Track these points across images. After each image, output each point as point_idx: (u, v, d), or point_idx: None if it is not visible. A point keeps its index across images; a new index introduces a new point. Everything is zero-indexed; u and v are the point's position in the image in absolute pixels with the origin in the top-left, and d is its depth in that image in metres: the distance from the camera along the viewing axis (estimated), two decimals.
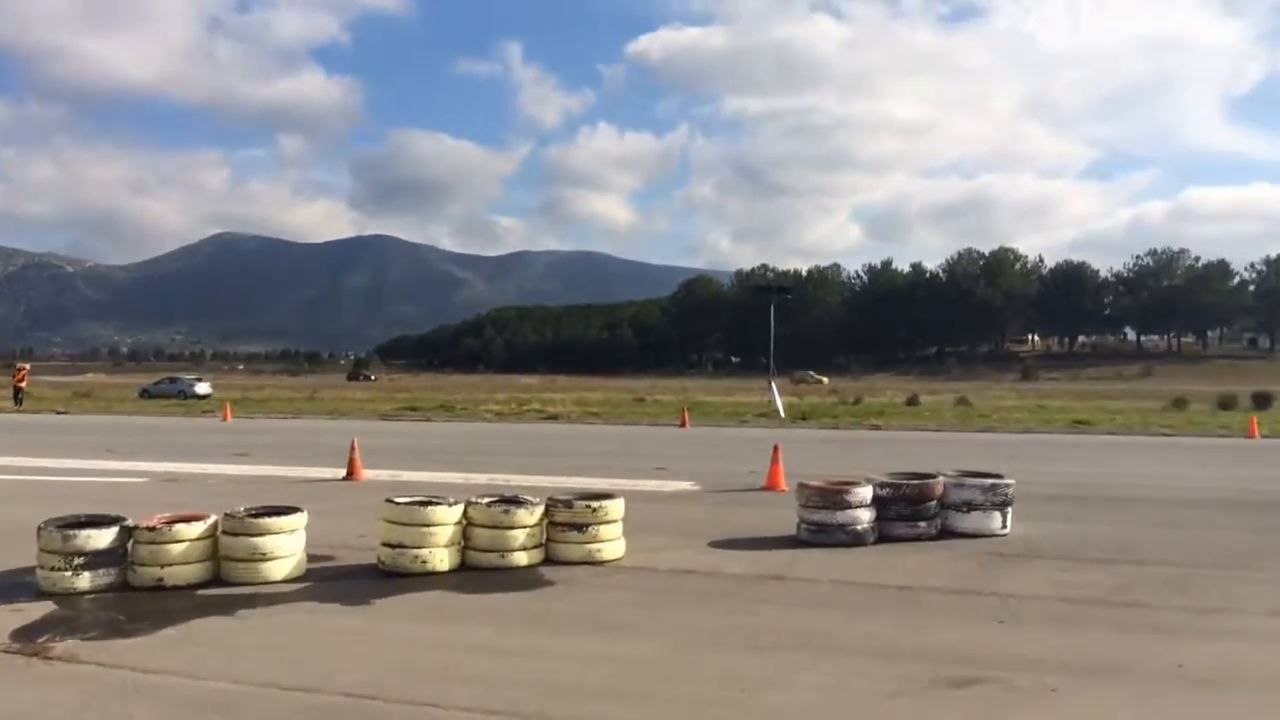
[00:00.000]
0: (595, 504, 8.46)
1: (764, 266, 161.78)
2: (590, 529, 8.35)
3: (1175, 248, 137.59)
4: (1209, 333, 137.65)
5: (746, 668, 5.66)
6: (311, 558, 8.08)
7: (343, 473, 14.90)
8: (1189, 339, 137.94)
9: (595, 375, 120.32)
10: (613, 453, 20.60)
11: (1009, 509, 9.71)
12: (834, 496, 9.20)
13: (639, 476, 14.97)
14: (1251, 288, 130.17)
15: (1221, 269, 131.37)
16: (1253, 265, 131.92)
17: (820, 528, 9.20)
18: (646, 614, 6.90)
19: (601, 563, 8.32)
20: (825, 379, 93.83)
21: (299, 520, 7.83)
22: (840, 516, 9.12)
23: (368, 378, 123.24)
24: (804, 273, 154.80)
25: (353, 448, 15.13)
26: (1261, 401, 39.57)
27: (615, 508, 8.53)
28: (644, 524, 9.58)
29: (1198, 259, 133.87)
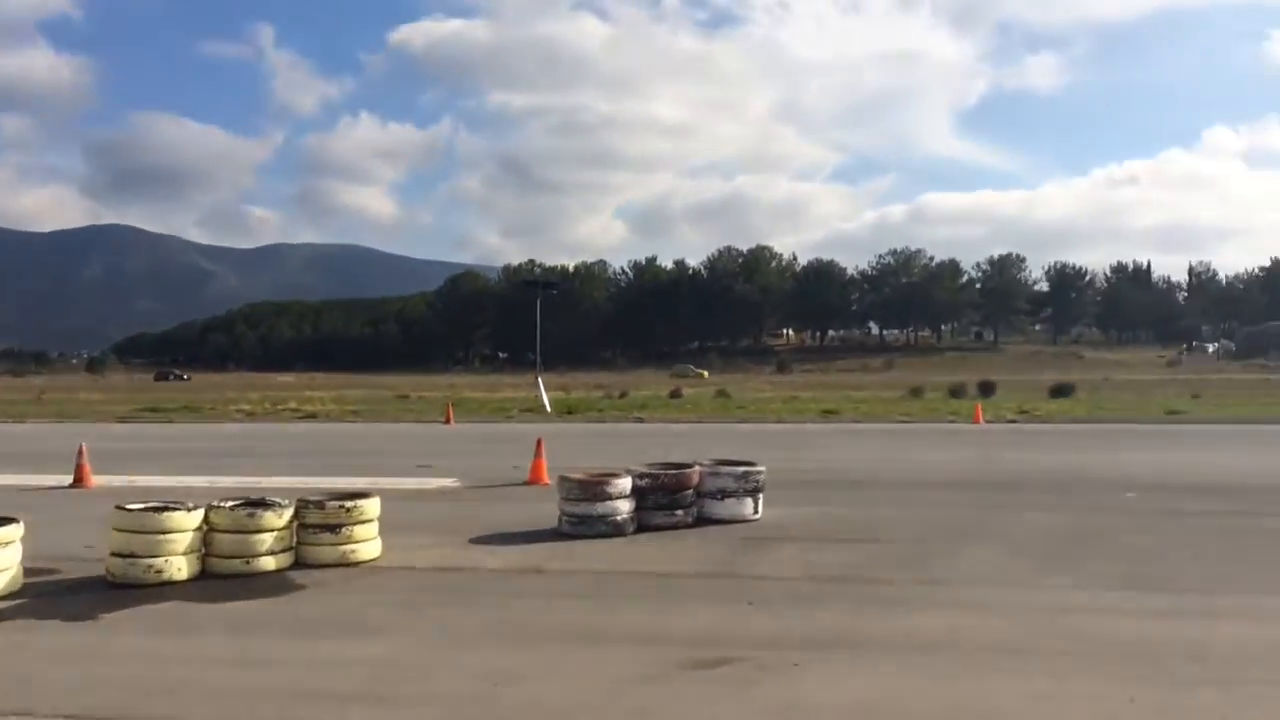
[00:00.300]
0: (349, 504, 8.17)
1: (532, 262, 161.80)
2: (344, 530, 8.05)
3: (913, 247, 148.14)
4: (942, 327, 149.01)
5: (503, 662, 5.61)
6: (30, 572, 7.37)
7: (69, 479, 13.72)
8: (925, 333, 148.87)
9: (358, 372, 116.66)
10: (373, 451, 20.03)
11: (760, 495, 10.12)
12: (594, 488, 9.29)
13: (400, 474, 14.61)
14: (978, 285, 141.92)
15: (952, 268, 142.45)
16: (979, 265, 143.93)
17: (581, 520, 9.27)
18: (402, 614, 6.72)
19: (357, 564, 8.04)
20: (705, 373, 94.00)
21: (13, 532, 7.11)
22: (600, 508, 9.22)
23: (180, 377, 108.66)
24: (571, 269, 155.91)
25: (80, 452, 13.95)
26: (986, 389, 43.23)
27: (371, 507, 8.26)
28: (403, 523, 9.34)
29: (932, 258, 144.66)
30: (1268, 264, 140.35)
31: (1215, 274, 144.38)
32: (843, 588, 7.39)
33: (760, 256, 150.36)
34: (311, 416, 32.36)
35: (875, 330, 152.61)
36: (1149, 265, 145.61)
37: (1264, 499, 11.83)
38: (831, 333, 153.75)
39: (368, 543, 8.20)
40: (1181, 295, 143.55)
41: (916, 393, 43.52)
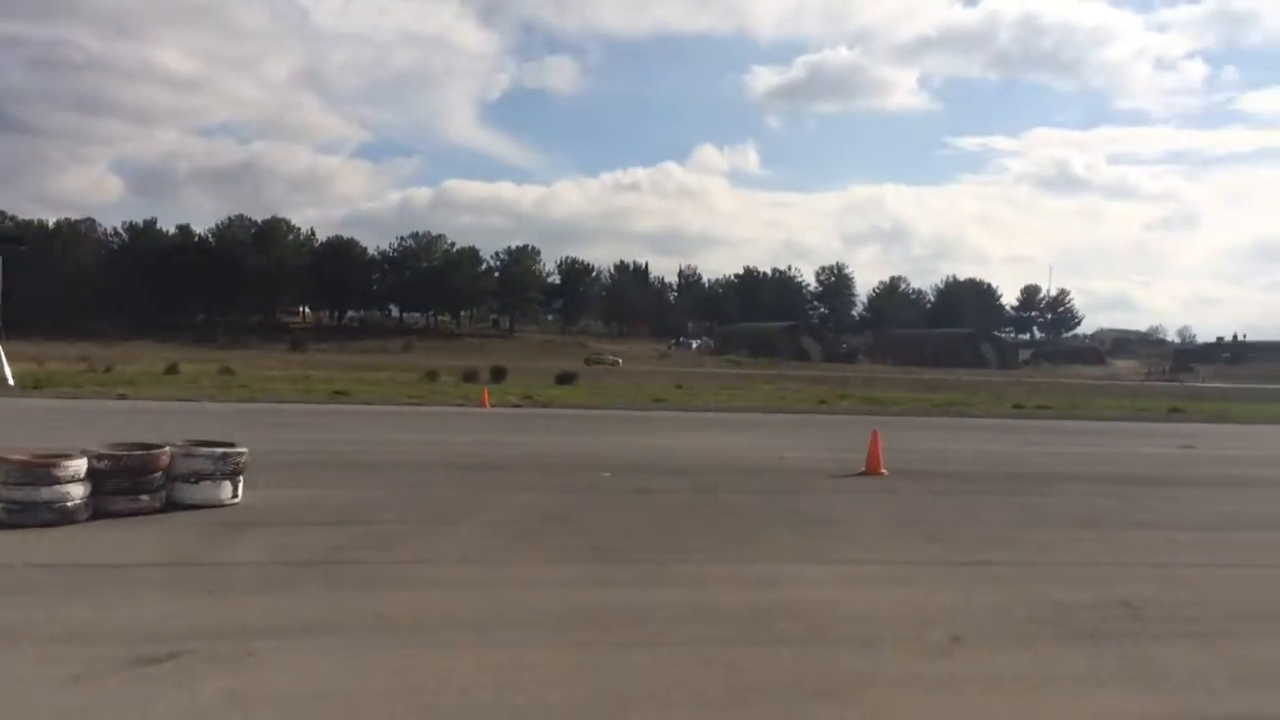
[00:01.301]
0: None
1: (1, 214, 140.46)
2: None
3: (435, 232, 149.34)
4: (461, 312, 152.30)
5: None
6: None
7: None
8: (445, 318, 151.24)
9: None
10: None
11: (240, 478, 9.58)
12: (39, 471, 8.22)
13: None
14: (497, 274, 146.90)
15: (472, 255, 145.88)
16: (498, 254, 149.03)
17: (22, 506, 8.17)
18: None
19: None
20: (619, 360, 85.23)
21: None
22: (46, 493, 8.18)
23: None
24: (52, 225, 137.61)
25: None
26: (498, 375, 44.81)
27: None
28: None
29: (454, 244, 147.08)
30: (741, 271, 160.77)
31: (700, 277, 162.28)
32: (315, 571, 7.18)
33: (276, 228, 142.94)
34: None
35: (395, 313, 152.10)
36: (647, 265, 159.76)
37: (723, 477, 13.34)
38: (351, 313, 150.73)
39: None
40: (673, 295, 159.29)
41: (432, 376, 43.98)
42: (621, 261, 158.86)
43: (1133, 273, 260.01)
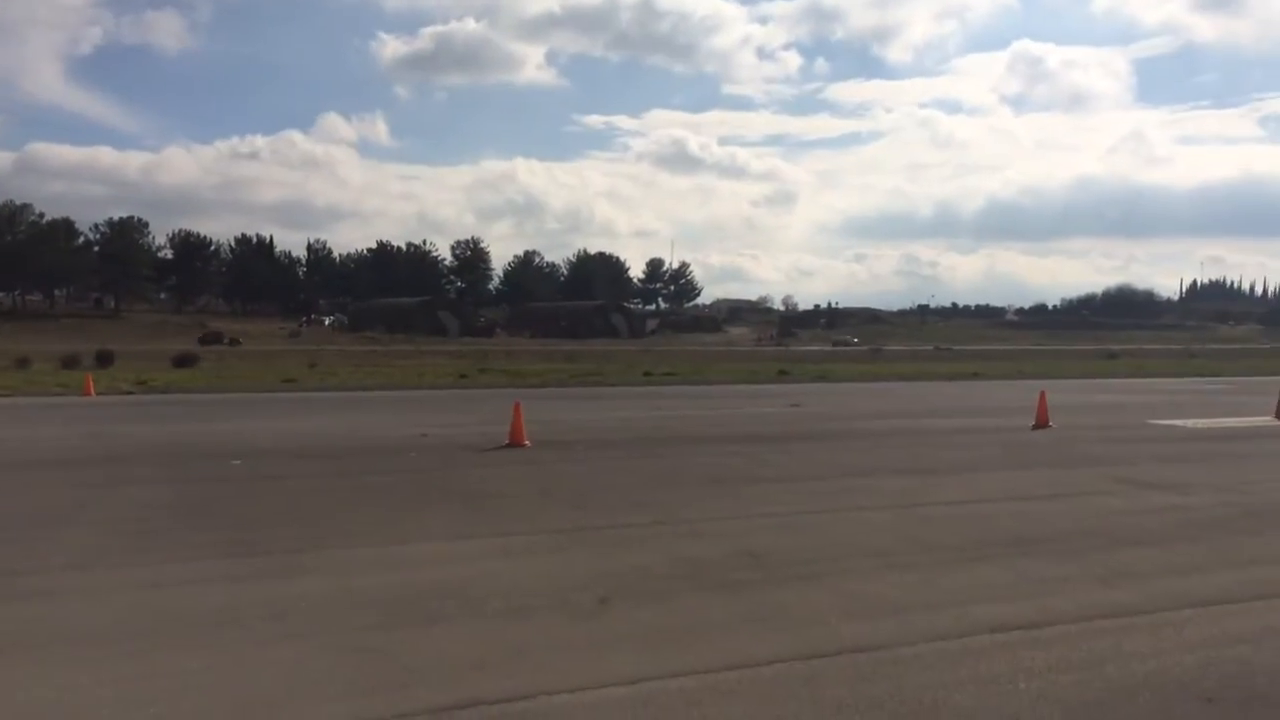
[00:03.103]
0: None
1: None
2: None
3: (19, 201, 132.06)
4: (56, 291, 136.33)
5: None
6: None
7: None
8: (36, 297, 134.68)
9: None
10: None
11: None
12: None
13: None
14: (96, 248, 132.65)
15: (66, 227, 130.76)
16: (97, 226, 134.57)
17: None
18: None
19: None
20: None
21: None
22: None
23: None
24: None
25: None
26: (105, 359, 40.68)
27: None
28: None
29: (43, 215, 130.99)
30: (374, 246, 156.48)
31: (331, 252, 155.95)
32: None
33: None
34: None
35: None
36: (272, 239, 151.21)
37: (364, 459, 12.98)
38: None
39: None
40: (302, 270, 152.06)
41: (23, 363, 39.08)
42: (244, 235, 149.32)
43: (744, 247, 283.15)
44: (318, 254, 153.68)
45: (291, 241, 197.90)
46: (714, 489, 10.81)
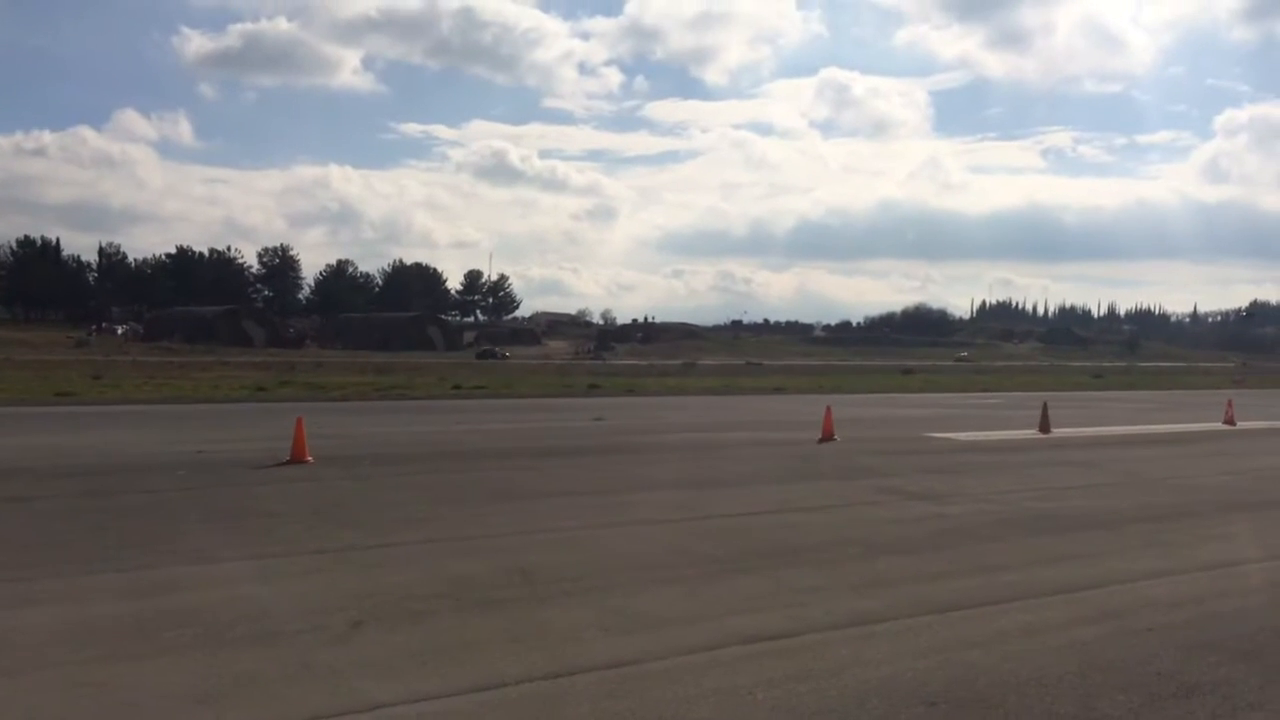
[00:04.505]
0: None
1: None
2: None
3: None
4: None
5: None
6: None
7: None
8: None
9: None
10: None
11: None
12: None
13: None
14: None
15: None
16: None
17: None
18: None
19: None
20: None
21: None
22: None
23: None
24: None
25: None
26: None
27: None
28: None
29: None
30: (174, 251, 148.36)
31: (125, 256, 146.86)
32: None
33: None
34: None
35: None
36: (58, 242, 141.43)
37: (126, 478, 12.14)
38: None
39: None
40: (92, 275, 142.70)
41: None
42: (26, 237, 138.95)
43: (564, 260, 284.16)
44: (110, 258, 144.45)
45: (82, 245, 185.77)
46: (499, 504, 10.69)
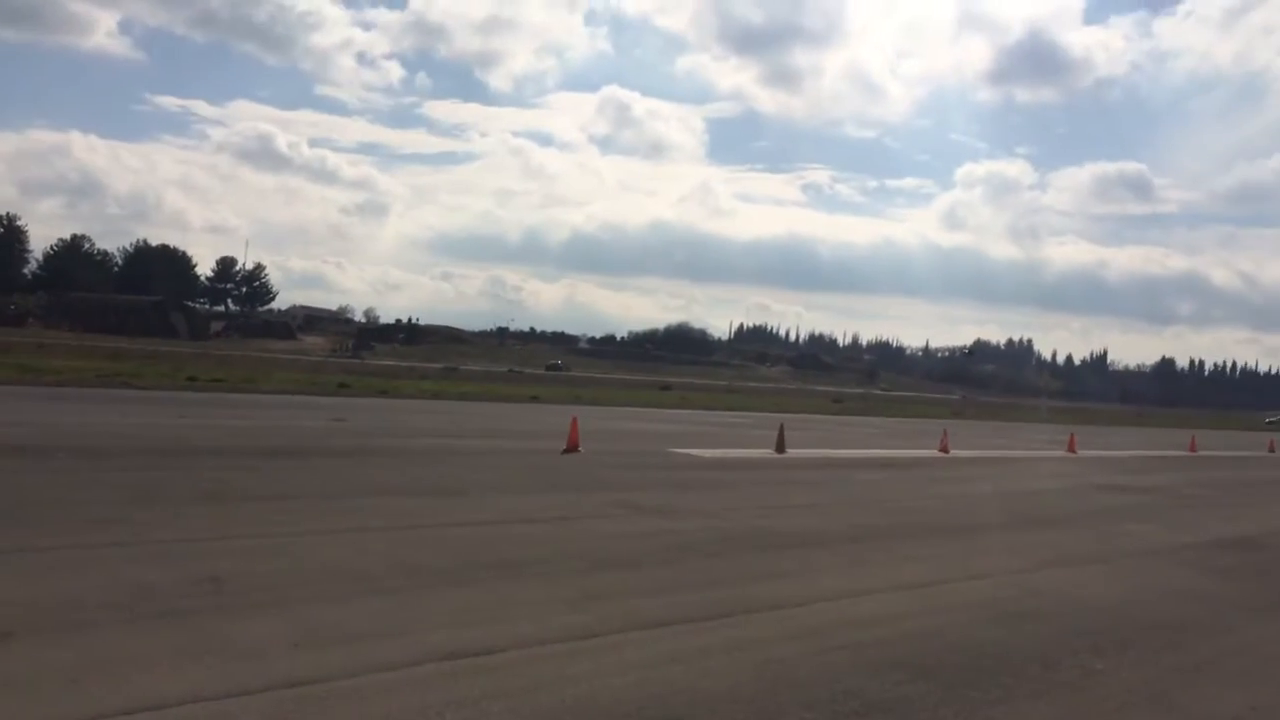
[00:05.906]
0: None
1: None
2: None
3: None
4: None
5: None
6: None
7: None
8: None
9: None
10: None
11: None
12: None
13: None
14: None
15: None
16: None
17: None
18: None
19: None
20: None
21: None
22: None
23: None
24: None
25: None
26: None
27: None
28: None
29: None
30: None
31: None
32: None
33: None
34: None
35: None
36: None
37: None
38: None
39: None
40: None
41: None
42: None
43: (329, 254, 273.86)
44: None
45: None
46: (205, 506, 9.88)
